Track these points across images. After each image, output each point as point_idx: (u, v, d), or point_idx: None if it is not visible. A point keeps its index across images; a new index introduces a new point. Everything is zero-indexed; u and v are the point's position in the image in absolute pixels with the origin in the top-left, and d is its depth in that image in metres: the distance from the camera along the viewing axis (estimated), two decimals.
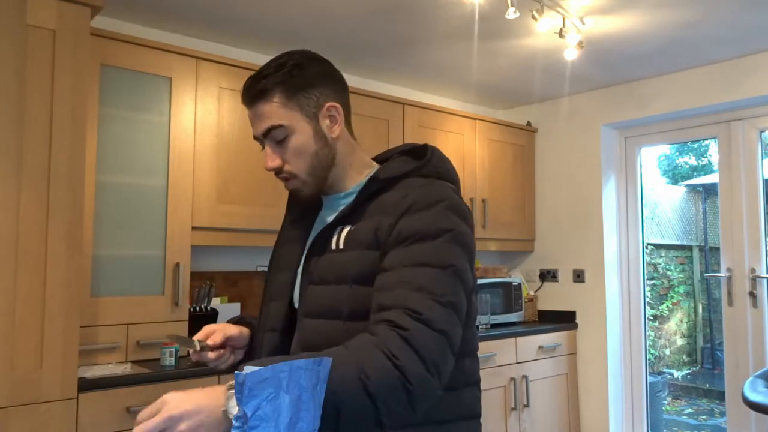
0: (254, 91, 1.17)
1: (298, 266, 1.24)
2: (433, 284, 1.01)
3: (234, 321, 1.33)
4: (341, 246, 1.15)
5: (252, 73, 1.21)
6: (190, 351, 1.20)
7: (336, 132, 1.20)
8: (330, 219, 1.22)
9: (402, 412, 0.94)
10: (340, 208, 1.21)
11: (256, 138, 1.21)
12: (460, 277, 1.05)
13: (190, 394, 0.87)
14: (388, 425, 0.94)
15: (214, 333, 1.23)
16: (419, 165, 1.19)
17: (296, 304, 1.22)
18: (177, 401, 0.86)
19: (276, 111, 1.16)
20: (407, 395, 0.93)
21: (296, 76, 1.16)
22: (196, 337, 1.21)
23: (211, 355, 1.22)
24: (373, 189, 1.17)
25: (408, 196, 1.11)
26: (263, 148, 1.21)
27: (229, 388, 0.86)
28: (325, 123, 1.19)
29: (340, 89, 1.22)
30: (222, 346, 1.24)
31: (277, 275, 1.28)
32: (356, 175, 1.24)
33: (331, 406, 0.87)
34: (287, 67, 1.16)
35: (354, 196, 1.21)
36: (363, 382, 0.90)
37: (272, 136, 1.17)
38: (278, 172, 1.19)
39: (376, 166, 1.27)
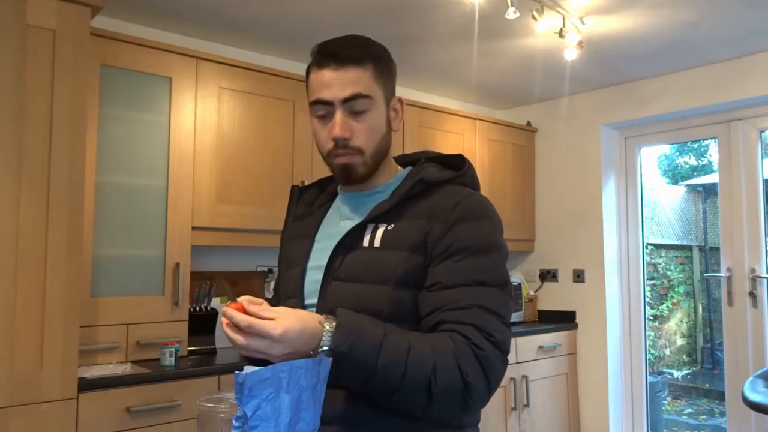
0: (350, 53, 1.13)
1: (306, 261, 1.22)
2: (498, 305, 1.07)
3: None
4: (377, 244, 1.13)
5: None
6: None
7: (396, 126, 1.22)
8: (353, 214, 1.21)
9: (452, 414, 1.04)
10: (369, 205, 1.19)
11: (321, 102, 1.14)
12: (511, 295, 1.12)
13: (301, 334, 0.94)
14: (435, 418, 1.03)
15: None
16: (459, 174, 1.21)
17: (306, 300, 1.21)
18: (289, 336, 0.93)
19: (368, 81, 1.14)
20: (464, 404, 1.02)
21: (386, 60, 1.19)
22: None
23: None
24: (417, 190, 1.15)
25: (460, 204, 1.12)
26: (319, 116, 1.15)
27: (325, 322, 0.97)
28: (391, 113, 1.21)
29: None
30: None
31: (288, 272, 1.26)
32: (388, 174, 1.24)
33: (394, 386, 0.97)
34: (378, 47, 1.18)
35: (384, 194, 1.20)
36: (430, 382, 0.98)
37: (352, 105, 1.13)
38: (343, 145, 1.14)
39: (401, 169, 1.27)
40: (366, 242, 1.14)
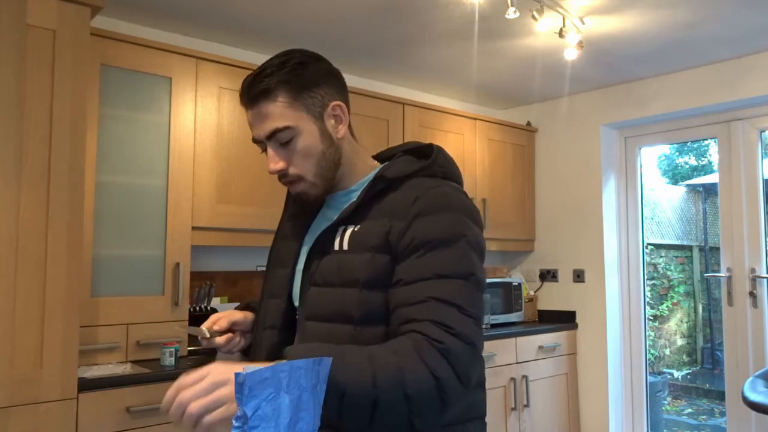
0: (257, 91, 1.11)
1: (296, 263, 1.22)
2: (460, 297, 1.03)
3: (240, 308, 1.35)
4: (345, 247, 1.12)
5: (251, 72, 1.18)
6: (201, 338, 1.25)
7: (341, 132, 1.17)
8: (332, 215, 1.20)
9: (433, 416, 1.00)
10: (344, 205, 1.19)
11: (255, 141, 1.16)
12: (478, 286, 1.08)
13: (233, 366, 0.91)
14: (418, 427, 0.99)
15: (220, 320, 1.26)
16: (425, 165, 1.17)
17: (295, 302, 1.21)
18: (221, 370, 0.90)
19: (281, 111, 1.11)
20: (441, 402, 0.98)
21: (301, 75, 1.12)
22: (204, 325, 1.26)
23: (220, 339, 1.25)
24: (378, 188, 1.14)
25: (419, 199, 1.09)
26: (263, 150, 1.17)
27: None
28: (330, 123, 1.16)
29: (342, 88, 1.19)
30: (228, 330, 1.26)
31: (275, 271, 1.26)
32: (361, 173, 1.22)
33: (370, 399, 0.93)
34: (290, 66, 1.12)
35: (356, 193, 1.19)
36: (402, 386, 0.94)
37: (277, 138, 1.12)
38: (283, 175, 1.16)
39: (379, 166, 1.25)
40: (336, 245, 1.13)
